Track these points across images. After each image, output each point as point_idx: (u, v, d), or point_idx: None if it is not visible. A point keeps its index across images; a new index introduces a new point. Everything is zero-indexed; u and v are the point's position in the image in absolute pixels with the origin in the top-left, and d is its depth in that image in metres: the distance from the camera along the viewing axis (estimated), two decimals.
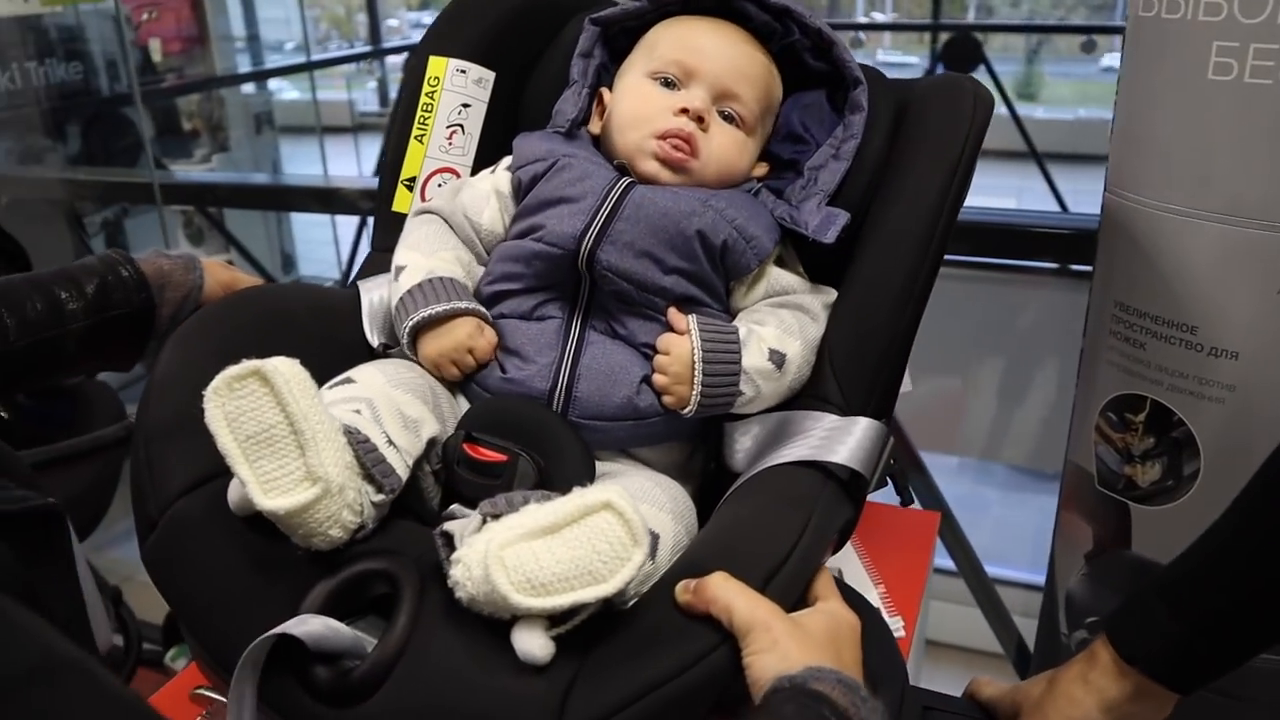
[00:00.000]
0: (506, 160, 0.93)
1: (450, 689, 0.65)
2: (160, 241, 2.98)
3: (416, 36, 1.05)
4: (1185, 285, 1.06)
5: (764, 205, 0.91)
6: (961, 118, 0.85)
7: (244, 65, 4.46)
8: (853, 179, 0.91)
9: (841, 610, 0.72)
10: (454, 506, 0.77)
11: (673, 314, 0.84)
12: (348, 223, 4.06)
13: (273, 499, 0.66)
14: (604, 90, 0.95)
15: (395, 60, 5.96)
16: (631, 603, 0.70)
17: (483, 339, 0.85)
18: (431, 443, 0.79)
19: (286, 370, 0.67)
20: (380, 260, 0.95)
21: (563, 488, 0.67)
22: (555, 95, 0.95)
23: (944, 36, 4.92)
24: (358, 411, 0.75)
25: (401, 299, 0.86)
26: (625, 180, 0.87)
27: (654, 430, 0.84)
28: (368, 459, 0.71)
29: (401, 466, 0.74)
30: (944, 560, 2.05)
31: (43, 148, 3.07)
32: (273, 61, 4.97)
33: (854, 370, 0.84)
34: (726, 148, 0.90)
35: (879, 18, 9.14)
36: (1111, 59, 6.36)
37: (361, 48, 7.10)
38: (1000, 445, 2.26)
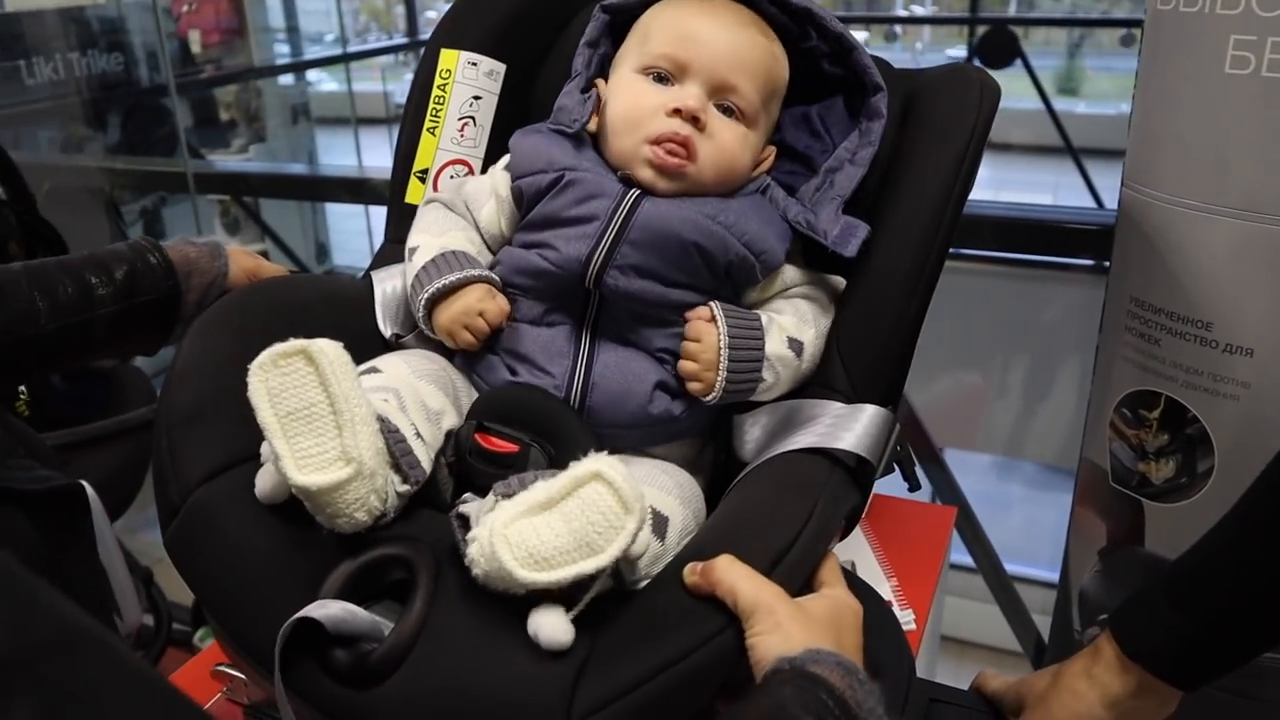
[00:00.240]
0: (505, 160, 0.92)
1: (465, 670, 0.66)
2: (194, 231, 3.03)
3: None
4: (1201, 281, 1.05)
5: (775, 209, 0.89)
6: (968, 108, 0.85)
7: (282, 56, 4.51)
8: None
9: (845, 596, 0.73)
10: (466, 495, 0.78)
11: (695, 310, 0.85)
12: (381, 213, 4.09)
13: (306, 475, 0.67)
14: (600, 82, 0.92)
15: None
16: (642, 584, 0.72)
17: (493, 303, 0.84)
18: (449, 435, 0.80)
19: (332, 352, 0.69)
20: (393, 251, 0.96)
21: None
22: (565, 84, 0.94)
23: (981, 30, 4.87)
24: (386, 401, 0.76)
25: (416, 276, 0.87)
26: (631, 195, 0.84)
27: (667, 430, 0.85)
28: (397, 449, 0.73)
29: (426, 460, 0.75)
30: (966, 557, 2.05)
31: (83, 137, 3.12)
32: (312, 53, 5.02)
33: (862, 359, 0.85)
34: (726, 146, 0.86)
35: (918, 10, 9.05)
36: None
37: (400, 39, 7.14)
38: (1025, 442, 2.24)
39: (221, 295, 0.95)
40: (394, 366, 0.82)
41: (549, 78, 1.00)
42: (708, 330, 0.82)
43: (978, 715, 0.91)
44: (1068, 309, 2.05)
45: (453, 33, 0.97)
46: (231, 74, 3.96)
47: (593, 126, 0.90)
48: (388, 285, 0.94)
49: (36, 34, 2.96)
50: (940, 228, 0.83)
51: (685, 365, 0.83)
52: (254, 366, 0.69)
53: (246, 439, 0.76)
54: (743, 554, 0.69)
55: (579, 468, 0.64)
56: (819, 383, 0.86)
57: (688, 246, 0.82)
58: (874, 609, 0.95)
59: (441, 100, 0.96)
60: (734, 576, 0.68)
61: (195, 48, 3.77)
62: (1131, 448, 1.16)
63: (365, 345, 0.88)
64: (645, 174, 0.85)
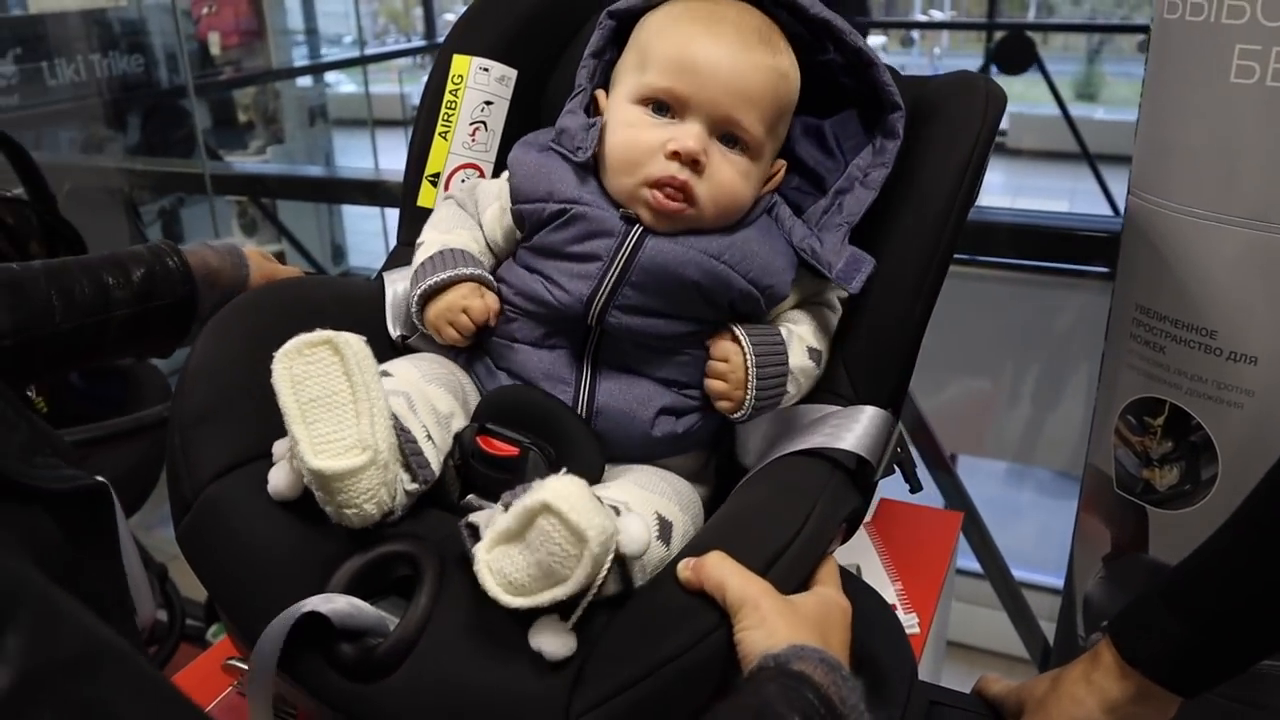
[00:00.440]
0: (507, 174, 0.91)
1: (468, 665, 0.67)
2: (211, 231, 3.05)
3: None
4: (1206, 289, 1.05)
5: (782, 234, 0.87)
6: (974, 115, 0.85)
7: (301, 59, 4.54)
8: None
9: (835, 595, 0.73)
10: (470, 497, 0.80)
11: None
12: (397, 215, 4.11)
13: (322, 460, 0.68)
14: (600, 94, 0.89)
15: None
16: (640, 584, 0.72)
17: (479, 300, 0.84)
18: (456, 436, 0.81)
19: (356, 344, 0.71)
20: (404, 254, 0.98)
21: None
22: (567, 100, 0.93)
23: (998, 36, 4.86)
24: (398, 402, 0.77)
25: (415, 271, 0.88)
26: (634, 233, 0.82)
27: (672, 447, 0.86)
28: (408, 449, 0.74)
29: (436, 462, 0.77)
30: (975, 563, 2.05)
31: (104, 137, 3.16)
32: (330, 55, 5.05)
33: (865, 363, 0.86)
34: (726, 185, 0.82)
35: (937, 15, 9.03)
36: None
37: (419, 41, 7.18)
38: (1034, 448, 2.24)
39: None
40: (404, 370, 0.83)
41: (560, 83, 1.01)
42: (734, 350, 0.83)
43: (978, 719, 0.92)
44: (1078, 316, 2.05)
45: (465, 38, 0.98)
46: (250, 76, 3.99)
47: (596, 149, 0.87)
48: (399, 286, 0.95)
49: (59, 36, 3.00)
50: (944, 233, 0.84)
51: (714, 385, 0.83)
52: (279, 353, 0.70)
53: (258, 437, 0.77)
54: (740, 553, 0.69)
55: (531, 496, 0.63)
56: (822, 387, 0.87)
57: (689, 286, 0.81)
58: (877, 611, 0.96)
59: (453, 105, 0.97)
60: (723, 572, 0.68)
61: (214, 50, 3.81)
62: (1136, 454, 1.16)
63: (376, 346, 0.89)
64: (645, 215, 0.83)
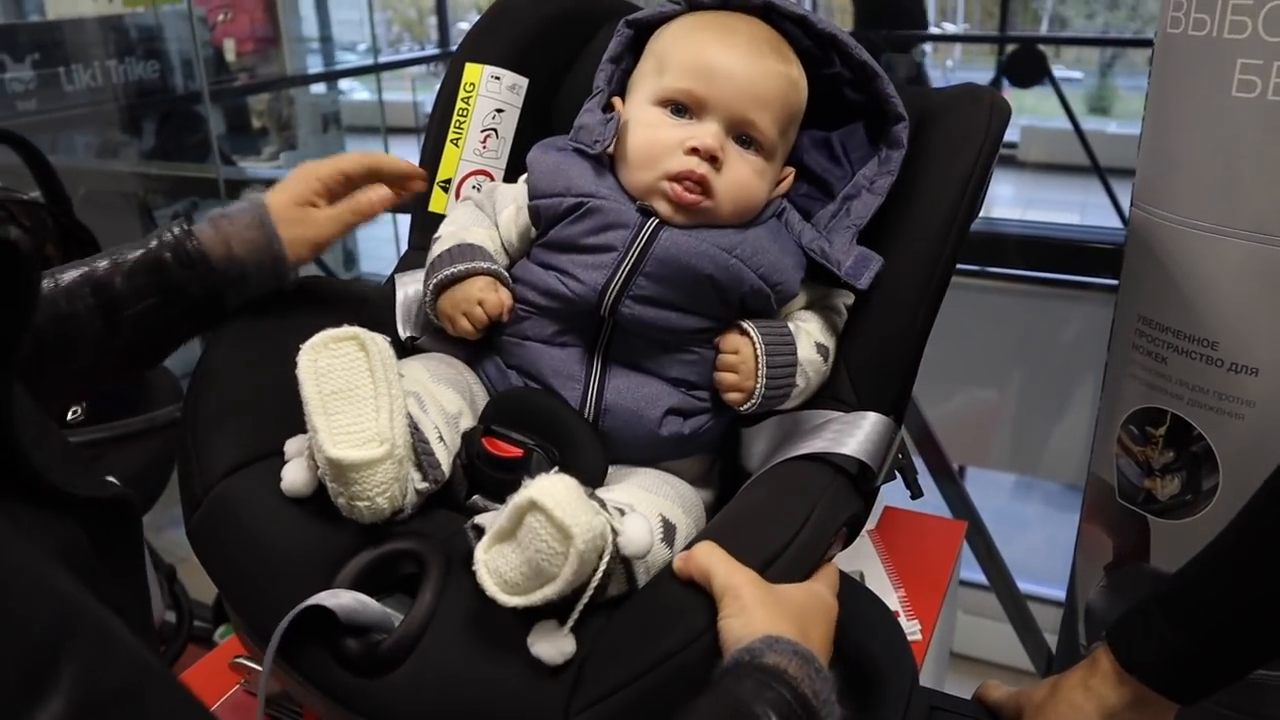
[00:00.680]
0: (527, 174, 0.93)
1: (470, 661, 0.69)
2: None
3: None
4: (1207, 301, 1.06)
5: (791, 236, 0.89)
6: (977, 127, 0.87)
7: (315, 66, 4.56)
8: None
9: (824, 591, 0.74)
10: (476, 498, 0.81)
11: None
12: (408, 221, 4.13)
13: (341, 450, 0.70)
14: (617, 101, 0.92)
15: None
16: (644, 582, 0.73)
17: (494, 295, 0.86)
18: (463, 436, 0.83)
19: (381, 343, 0.74)
20: (416, 258, 0.99)
21: (579, 478, 0.69)
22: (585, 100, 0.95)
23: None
24: (409, 402, 0.78)
25: (430, 263, 0.89)
26: (650, 225, 0.84)
27: (678, 449, 0.87)
28: (420, 448, 0.75)
29: (446, 462, 0.78)
30: (982, 576, 2.05)
31: (119, 142, 3.18)
32: (345, 62, 5.08)
33: (868, 370, 0.87)
34: (743, 181, 0.86)
35: (949, 28, 9.02)
36: None
37: (432, 50, 7.22)
38: (1040, 460, 2.24)
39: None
40: (414, 371, 0.85)
41: (570, 92, 1.02)
42: (744, 343, 0.84)
43: None
44: (1085, 327, 2.05)
45: (477, 47, 1.00)
46: (264, 82, 4.02)
47: (612, 149, 0.89)
48: (409, 289, 0.96)
49: (76, 41, 3.02)
50: (947, 243, 0.85)
51: (724, 377, 0.84)
52: (306, 345, 0.73)
53: (269, 436, 0.79)
54: (738, 553, 0.70)
55: (519, 496, 0.64)
56: (825, 394, 0.88)
57: (702, 279, 0.83)
58: (879, 617, 0.97)
59: (465, 112, 0.99)
60: (710, 560, 0.70)
61: (230, 56, 3.83)
62: (1138, 464, 1.17)
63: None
64: (664, 208, 0.85)
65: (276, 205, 0.88)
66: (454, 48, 1.03)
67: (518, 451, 0.80)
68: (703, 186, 0.84)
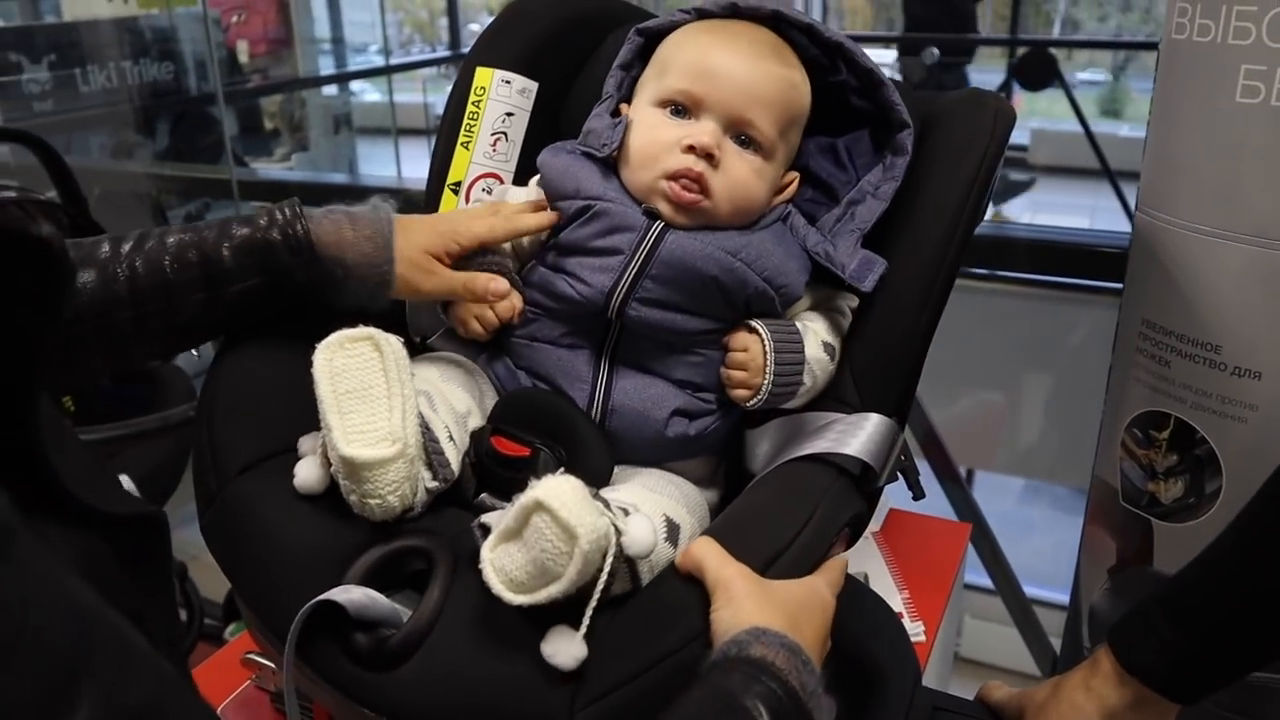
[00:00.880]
0: (538, 177, 0.94)
1: (476, 658, 0.70)
2: None
3: None
4: (1211, 305, 1.07)
5: (796, 240, 0.90)
6: (982, 132, 0.87)
7: (327, 67, 4.59)
8: None
9: (819, 585, 0.74)
10: (484, 496, 0.82)
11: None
12: None
13: (354, 448, 0.71)
14: (624, 106, 0.93)
15: None
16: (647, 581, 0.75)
17: (504, 300, 0.87)
18: (472, 436, 0.84)
19: (396, 344, 0.75)
20: None
21: (585, 478, 0.70)
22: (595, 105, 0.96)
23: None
24: (420, 401, 0.80)
25: None
26: (655, 228, 0.85)
27: (684, 450, 0.88)
28: (430, 447, 0.77)
29: (455, 461, 0.79)
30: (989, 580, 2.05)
31: (133, 143, 3.20)
32: (356, 63, 5.10)
33: (872, 374, 0.87)
34: (740, 180, 0.86)
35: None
36: None
37: (443, 51, 7.24)
38: (1047, 464, 2.24)
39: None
40: (424, 371, 0.86)
41: (580, 96, 1.03)
42: (753, 340, 0.85)
43: None
44: (1093, 330, 2.06)
45: (487, 52, 1.01)
46: (277, 84, 4.04)
47: (617, 152, 0.90)
48: None
49: (92, 43, 3.05)
50: (951, 247, 0.86)
51: (733, 374, 0.86)
52: (322, 345, 0.74)
53: (283, 433, 0.80)
54: (740, 553, 0.71)
55: (525, 496, 0.66)
56: (829, 395, 0.89)
57: (708, 281, 0.84)
58: (882, 617, 0.98)
59: (475, 116, 1.00)
60: (703, 554, 0.71)
61: (243, 58, 3.86)
62: (1141, 467, 1.17)
63: None
64: (664, 208, 0.86)
65: (407, 245, 0.85)
66: (464, 49, 1.04)
67: (525, 451, 0.81)
68: (700, 184, 0.85)
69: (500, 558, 0.67)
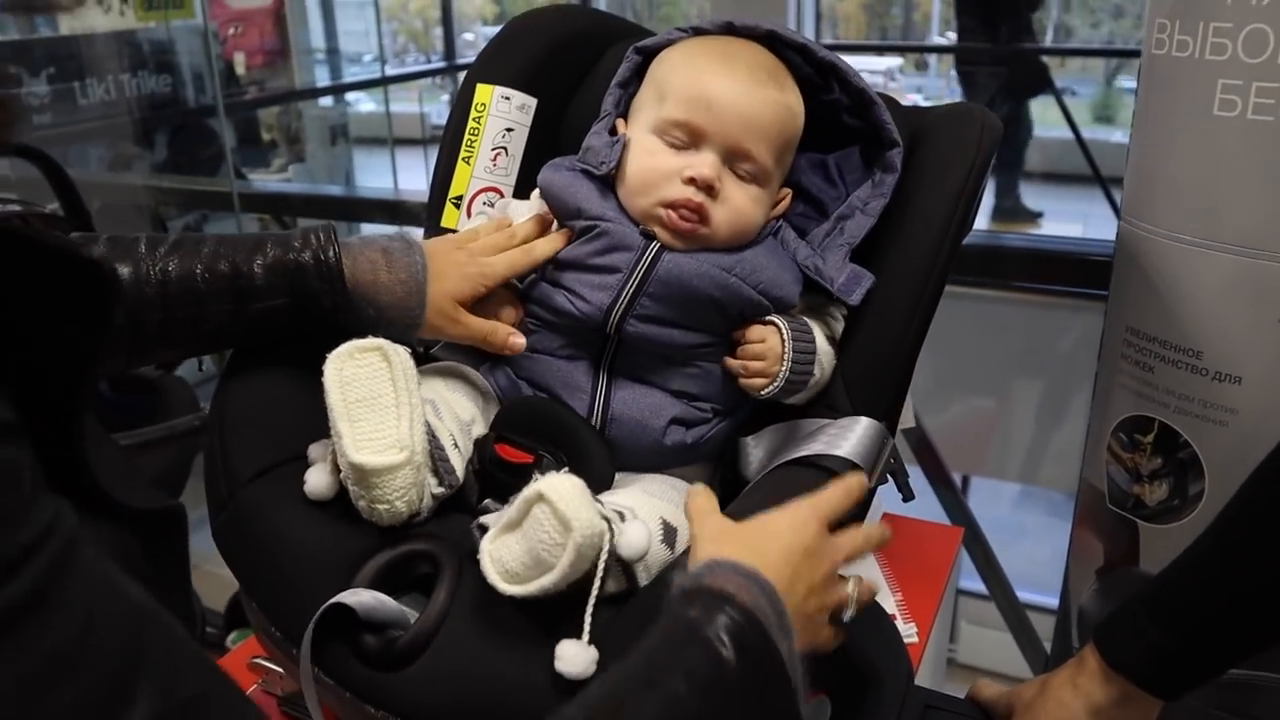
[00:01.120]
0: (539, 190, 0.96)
1: (481, 656, 0.72)
2: None
3: None
4: (1193, 312, 1.09)
5: (788, 254, 0.92)
6: (969, 146, 0.89)
7: (323, 78, 4.59)
8: None
9: (791, 511, 0.74)
10: (487, 501, 0.84)
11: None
12: (417, 235, 4.14)
13: (363, 455, 0.74)
14: (620, 122, 0.94)
15: None
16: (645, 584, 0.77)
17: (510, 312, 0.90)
18: (476, 443, 0.86)
19: (404, 354, 0.78)
20: None
21: (586, 483, 0.71)
22: (594, 121, 0.97)
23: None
24: (426, 409, 0.82)
25: None
26: (653, 248, 0.87)
27: (681, 457, 0.90)
28: (436, 455, 0.79)
29: (460, 468, 0.82)
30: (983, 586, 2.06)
31: (132, 155, 3.21)
32: (351, 73, 5.11)
33: (863, 381, 0.90)
34: (739, 209, 0.88)
35: (954, 38, 9.04)
36: None
37: (438, 61, 7.25)
38: (1038, 468, 2.26)
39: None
40: (430, 379, 0.88)
41: (578, 111, 1.05)
42: (769, 330, 0.87)
43: None
44: (1083, 337, 2.07)
45: (488, 69, 1.03)
46: (274, 95, 4.05)
47: (614, 171, 0.91)
48: None
49: (90, 56, 3.06)
50: (939, 257, 0.88)
51: (750, 364, 0.87)
52: (332, 355, 0.76)
53: (293, 440, 0.82)
54: None
55: (530, 488, 0.68)
56: (821, 402, 0.91)
57: (704, 299, 0.86)
58: (875, 618, 0.99)
59: (476, 131, 1.02)
60: (692, 510, 0.75)
61: (240, 70, 3.87)
62: (1127, 471, 1.20)
63: None
64: (662, 234, 0.88)
65: (438, 294, 0.86)
66: (459, 58, 1.06)
67: (528, 457, 0.83)
68: (700, 215, 0.86)
69: (499, 549, 0.70)
